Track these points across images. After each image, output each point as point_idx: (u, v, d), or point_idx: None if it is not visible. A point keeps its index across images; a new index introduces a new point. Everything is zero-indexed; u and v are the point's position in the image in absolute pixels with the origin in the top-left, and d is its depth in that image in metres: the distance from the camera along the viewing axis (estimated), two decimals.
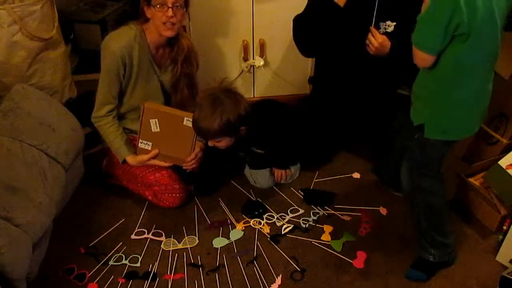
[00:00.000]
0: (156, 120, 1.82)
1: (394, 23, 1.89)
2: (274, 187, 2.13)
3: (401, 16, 1.86)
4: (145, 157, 1.87)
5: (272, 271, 1.74)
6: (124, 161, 1.93)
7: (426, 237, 1.69)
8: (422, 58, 1.39)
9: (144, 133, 1.85)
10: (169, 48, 1.95)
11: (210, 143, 1.84)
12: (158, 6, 1.76)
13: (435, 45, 1.34)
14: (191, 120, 1.78)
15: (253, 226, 1.94)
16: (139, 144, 1.87)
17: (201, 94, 1.85)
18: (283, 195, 2.10)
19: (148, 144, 1.86)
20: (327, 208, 2.02)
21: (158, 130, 1.84)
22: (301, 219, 1.97)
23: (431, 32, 1.33)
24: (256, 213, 2.00)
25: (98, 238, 1.89)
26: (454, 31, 1.30)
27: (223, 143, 1.82)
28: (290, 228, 1.92)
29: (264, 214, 1.99)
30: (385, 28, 1.89)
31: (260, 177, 2.12)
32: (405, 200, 2.04)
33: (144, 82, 1.95)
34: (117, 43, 1.83)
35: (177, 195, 1.99)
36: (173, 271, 1.76)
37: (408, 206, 1.99)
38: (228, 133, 1.77)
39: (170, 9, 1.76)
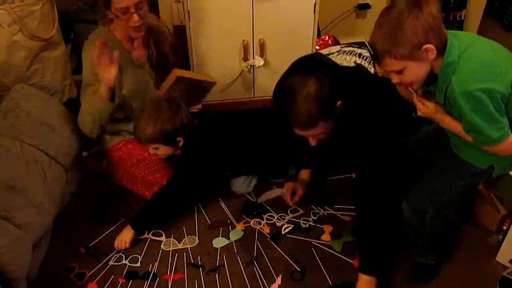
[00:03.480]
0: (183, 85, 1.94)
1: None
2: (274, 187, 2.13)
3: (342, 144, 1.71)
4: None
5: (272, 271, 1.74)
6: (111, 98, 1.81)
7: (427, 249, 1.69)
8: (508, 143, 1.28)
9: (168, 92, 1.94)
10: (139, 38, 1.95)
11: (150, 150, 1.88)
12: (121, 14, 1.74)
13: (505, 127, 1.26)
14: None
15: (253, 226, 1.94)
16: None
17: (150, 99, 1.91)
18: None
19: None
20: (327, 208, 2.02)
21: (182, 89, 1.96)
22: (301, 219, 1.97)
23: (493, 126, 1.25)
24: (256, 213, 1.99)
25: (98, 238, 1.89)
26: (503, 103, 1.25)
27: (161, 151, 1.87)
28: (290, 228, 1.92)
29: (264, 214, 1.99)
30: None
31: (237, 185, 2.12)
32: None
33: (130, 77, 1.96)
34: (90, 54, 1.84)
35: None
36: (173, 271, 1.76)
37: None
38: (163, 142, 1.83)
39: (135, 14, 1.74)
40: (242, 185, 2.12)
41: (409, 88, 1.38)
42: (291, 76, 1.59)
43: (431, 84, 1.34)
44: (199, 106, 2.15)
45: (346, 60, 1.69)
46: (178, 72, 1.89)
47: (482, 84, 1.20)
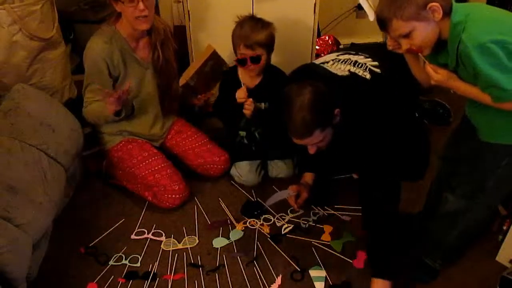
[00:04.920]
0: (195, 78, 1.93)
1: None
2: (274, 187, 2.13)
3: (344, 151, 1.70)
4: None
5: (272, 271, 1.74)
6: (117, 113, 1.88)
7: (444, 252, 1.69)
8: None
9: (199, 70, 1.94)
10: (147, 36, 1.96)
11: (251, 67, 1.96)
12: (127, 1, 1.75)
13: None
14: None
15: (253, 226, 1.94)
16: (188, 80, 1.93)
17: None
18: None
19: (193, 80, 1.95)
20: (327, 208, 2.02)
21: (208, 70, 1.96)
22: (301, 219, 1.97)
23: (509, 77, 1.23)
24: (256, 213, 1.99)
25: (98, 238, 1.89)
26: None
27: (261, 63, 1.96)
28: (290, 228, 1.92)
29: (264, 214, 1.99)
30: None
31: (245, 169, 2.12)
32: (405, 200, 2.03)
33: (133, 76, 1.96)
34: (95, 50, 1.86)
35: (177, 196, 1.99)
36: (173, 271, 1.76)
37: (408, 206, 2.00)
38: (269, 45, 1.96)
39: (141, 2, 1.75)
40: (248, 174, 2.11)
41: (420, 56, 1.39)
42: (286, 87, 1.58)
43: (441, 52, 1.35)
44: (212, 92, 2.14)
45: (340, 69, 1.68)
46: (181, 79, 1.92)
47: (493, 35, 1.21)
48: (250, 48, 1.91)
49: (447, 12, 1.27)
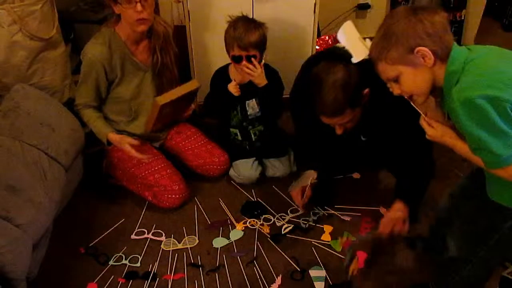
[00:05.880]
0: (169, 106, 1.88)
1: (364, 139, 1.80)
2: (274, 187, 2.13)
3: (372, 133, 1.72)
4: (127, 147, 1.92)
5: (272, 271, 1.74)
6: (108, 143, 1.96)
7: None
8: None
9: (157, 122, 1.93)
10: (147, 39, 1.96)
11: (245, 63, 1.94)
12: (125, 2, 1.76)
13: None
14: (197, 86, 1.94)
15: (253, 226, 1.94)
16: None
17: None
18: (283, 195, 2.10)
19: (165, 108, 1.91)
20: (327, 208, 2.02)
21: (169, 110, 1.92)
22: (301, 219, 1.96)
23: (500, 141, 1.06)
24: (256, 213, 1.99)
25: (98, 238, 1.89)
26: None
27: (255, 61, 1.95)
28: (290, 228, 1.92)
29: (264, 214, 1.99)
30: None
31: (242, 167, 2.12)
32: None
33: (132, 79, 1.97)
34: (94, 54, 1.86)
35: (177, 196, 1.99)
36: (173, 271, 1.76)
37: None
38: (261, 46, 1.95)
39: (138, 3, 1.75)
40: (245, 171, 2.11)
41: (413, 104, 1.25)
42: (315, 67, 1.57)
43: (445, 100, 1.20)
44: (193, 107, 2.15)
45: None
46: (159, 100, 1.82)
47: (485, 90, 1.04)
48: (244, 49, 1.91)
49: (443, 57, 1.13)
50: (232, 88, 2.03)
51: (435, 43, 1.12)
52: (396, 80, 1.20)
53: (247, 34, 1.90)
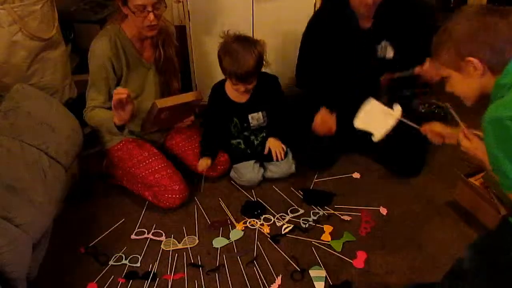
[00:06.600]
0: (167, 111, 1.87)
1: (393, 50, 1.85)
2: (274, 187, 2.13)
3: (398, 36, 1.76)
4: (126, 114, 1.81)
5: (272, 271, 1.74)
6: (120, 128, 1.85)
7: None
8: None
9: (153, 124, 1.94)
10: (151, 37, 1.96)
11: (242, 89, 1.97)
12: (138, 11, 1.75)
13: None
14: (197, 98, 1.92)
15: (253, 226, 1.94)
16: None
17: (220, 47, 1.97)
18: (283, 195, 2.10)
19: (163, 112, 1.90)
20: (327, 208, 2.02)
21: (166, 115, 1.91)
22: (301, 219, 1.97)
23: None
24: (256, 213, 2.00)
25: (98, 238, 1.89)
26: None
27: (253, 83, 1.97)
28: (290, 228, 1.92)
29: (264, 214, 2.00)
30: (383, 54, 1.87)
31: (244, 170, 2.12)
32: (405, 200, 2.04)
33: (136, 77, 1.97)
34: (102, 48, 1.85)
35: (177, 196, 1.98)
36: (173, 271, 1.76)
37: (408, 206, 2.00)
38: (259, 69, 1.95)
39: (151, 13, 1.74)
40: (247, 173, 2.11)
41: (454, 115, 1.25)
42: None
43: None
44: (192, 118, 2.11)
45: None
46: (159, 103, 1.82)
47: None
48: (244, 81, 1.93)
49: (498, 70, 1.06)
50: (202, 166, 2.06)
51: (493, 55, 1.06)
52: (446, 79, 1.18)
53: (244, 62, 1.89)
